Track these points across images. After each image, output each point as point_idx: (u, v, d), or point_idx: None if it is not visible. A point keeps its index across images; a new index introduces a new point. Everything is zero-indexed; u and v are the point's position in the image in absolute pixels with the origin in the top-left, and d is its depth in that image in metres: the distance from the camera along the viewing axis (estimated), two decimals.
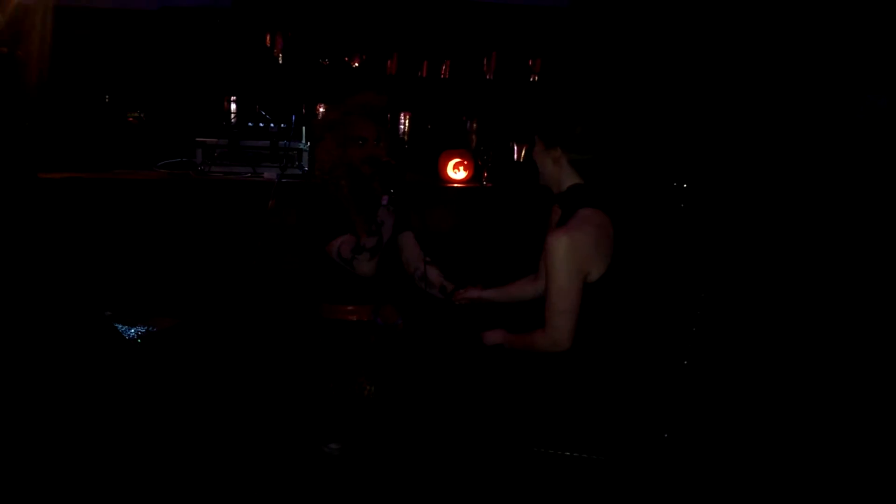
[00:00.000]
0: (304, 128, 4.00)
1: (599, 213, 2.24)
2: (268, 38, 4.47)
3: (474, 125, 4.49)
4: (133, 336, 2.77)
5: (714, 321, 2.95)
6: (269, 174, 3.75)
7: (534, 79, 4.67)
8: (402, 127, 4.32)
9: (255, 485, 2.47)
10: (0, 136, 3.16)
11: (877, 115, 3.56)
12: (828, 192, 3.54)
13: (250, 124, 3.96)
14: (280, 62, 4.48)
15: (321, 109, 4.36)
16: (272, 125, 3.92)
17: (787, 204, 3.61)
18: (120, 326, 2.78)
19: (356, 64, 4.60)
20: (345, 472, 2.52)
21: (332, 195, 2.75)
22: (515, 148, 4.45)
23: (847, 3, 3.66)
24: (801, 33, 3.74)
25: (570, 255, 2.15)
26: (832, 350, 2.99)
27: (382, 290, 2.76)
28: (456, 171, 4.10)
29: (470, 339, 2.43)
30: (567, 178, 2.29)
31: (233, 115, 4.10)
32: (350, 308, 2.75)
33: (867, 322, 2.97)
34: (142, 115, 4.17)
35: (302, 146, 3.91)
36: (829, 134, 3.64)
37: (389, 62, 4.62)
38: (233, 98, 4.13)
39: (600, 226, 2.22)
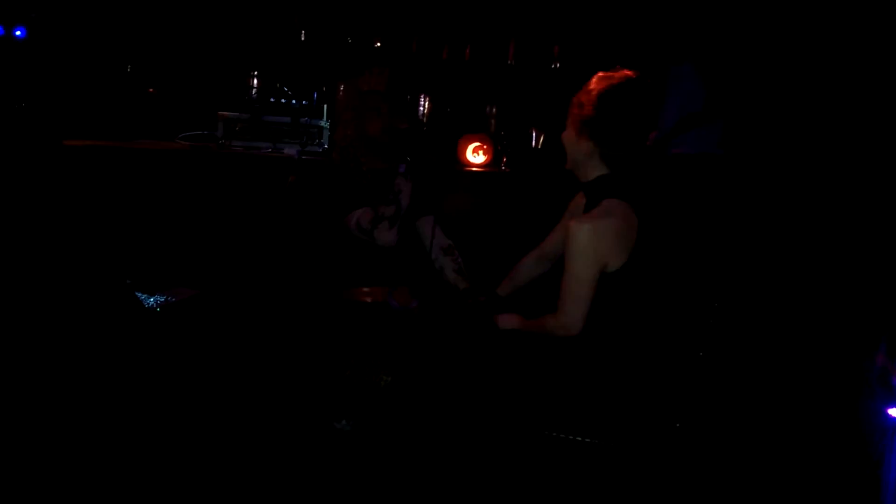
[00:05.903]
0: (325, 105, 4.01)
1: (624, 204, 2.22)
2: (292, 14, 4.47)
3: (494, 110, 4.49)
4: (152, 305, 2.79)
5: (731, 315, 2.96)
6: (290, 150, 3.77)
7: (555, 66, 4.66)
8: (421, 109, 4.33)
9: (265, 457, 2.50)
10: (27, 104, 3.18)
11: None
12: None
13: (272, 100, 3.97)
14: (303, 39, 4.48)
15: (342, 88, 4.36)
16: (294, 102, 3.94)
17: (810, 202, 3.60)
18: (140, 295, 2.80)
19: (378, 44, 4.60)
20: (355, 449, 2.55)
21: (351, 171, 2.76)
22: (534, 134, 4.44)
23: None
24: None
25: (591, 244, 2.14)
26: (851, 347, 2.99)
27: (398, 270, 2.77)
28: (475, 155, 4.11)
29: (484, 322, 2.44)
30: (595, 169, 2.26)
31: (254, 91, 4.12)
32: (365, 290, 2.76)
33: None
34: (157, 89, 4.19)
35: (323, 123, 3.92)
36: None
37: (412, 43, 4.62)
38: (255, 73, 4.14)
39: (624, 217, 2.20)
